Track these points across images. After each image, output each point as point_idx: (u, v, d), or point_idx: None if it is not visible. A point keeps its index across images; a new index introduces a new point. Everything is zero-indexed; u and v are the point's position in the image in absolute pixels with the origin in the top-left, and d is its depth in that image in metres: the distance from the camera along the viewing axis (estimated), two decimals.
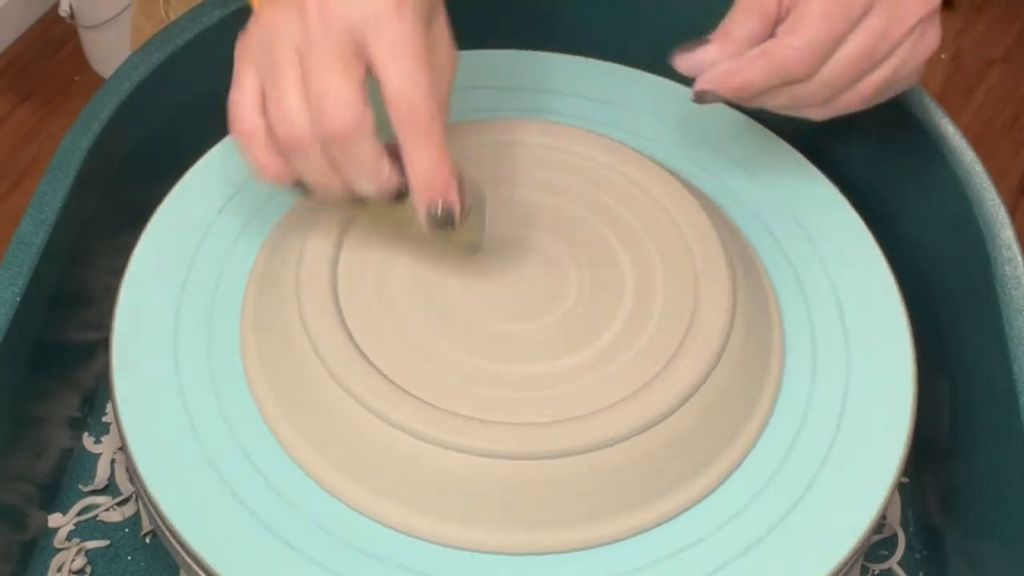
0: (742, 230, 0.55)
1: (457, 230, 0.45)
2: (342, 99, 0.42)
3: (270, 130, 0.43)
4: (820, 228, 0.55)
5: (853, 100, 0.49)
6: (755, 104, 0.49)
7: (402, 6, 0.42)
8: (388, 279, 0.49)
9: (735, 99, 0.49)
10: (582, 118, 0.58)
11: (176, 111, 0.59)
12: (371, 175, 0.43)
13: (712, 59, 0.48)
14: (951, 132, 0.56)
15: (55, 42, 1.81)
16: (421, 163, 0.43)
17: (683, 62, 0.49)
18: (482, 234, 0.48)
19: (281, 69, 0.43)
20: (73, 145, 0.54)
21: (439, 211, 0.44)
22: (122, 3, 1.53)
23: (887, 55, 0.48)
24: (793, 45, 0.46)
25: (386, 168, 0.44)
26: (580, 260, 0.50)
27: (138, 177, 0.57)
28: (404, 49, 0.42)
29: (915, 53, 0.48)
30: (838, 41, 0.47)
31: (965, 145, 0.55)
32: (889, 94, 0.50)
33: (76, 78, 1.77)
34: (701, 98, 0.49)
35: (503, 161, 0.53)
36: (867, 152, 0.61)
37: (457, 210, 0.44)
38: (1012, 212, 0.75)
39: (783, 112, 0.50)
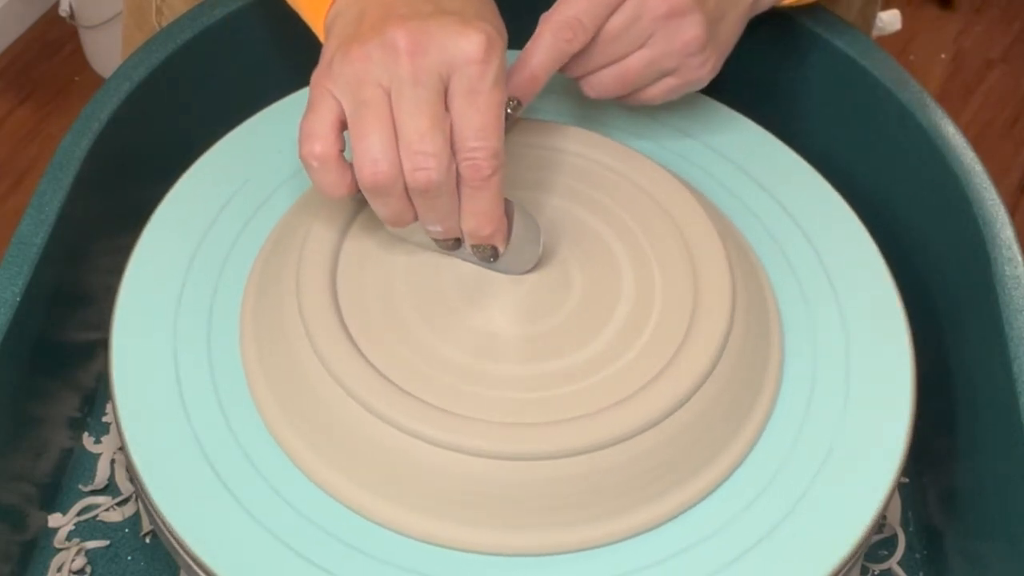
0: (741, 231, 0.55)
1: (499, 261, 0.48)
2: (428, 147, 0.44)
3: (356, 168, 0.45)
4: (820, 229, 0.55)
5: (614, 81, 0.52)
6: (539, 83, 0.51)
7: (490, 56, 0.44)
8: (388, 280, 0.49)
9: (533, 93, 0.50)
10: (580, 118, 0.58)
11: (176, 111, 0.59)
12: (445, 222, 0.46)
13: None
14: (951, 132, 0.56)
15: (55, 42, 1.81)
16: (475, 210, 0.46)
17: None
18: (532, 258, 0.49)
19: (369, 107, 0.44)
20: (73, 145, 0.54)
21: (483, 249, 0.48)
22: (122, 3, 1.53)
23: (646, 37, 0.50)
24: (565, 13, 0.49)
25: (456, 217, 0.46)
26: (580, 261, 0.50)
27: (138, 177, 0.57)
28: (483, 103, 0.44)
29: (672, 42, 0.51)
30: (600, 16, 0.50)
31: (965, 145, 0.55)
32: (672, 89, 0.53)
33: (76, 78, 1.77)
34: (511, 115, 0.50)
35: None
36: (867, 152, 0.61)
37: (501, 249, 0.48)
38: (1012, 212, 0.75)
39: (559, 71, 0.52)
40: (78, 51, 1.78)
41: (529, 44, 0.50)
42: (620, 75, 0.52)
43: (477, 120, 0.44)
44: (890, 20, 1.43)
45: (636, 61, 0.51)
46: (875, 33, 0.81)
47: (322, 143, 0.45)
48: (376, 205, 0.46)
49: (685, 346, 0.47)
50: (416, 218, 0.47)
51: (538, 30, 0.50)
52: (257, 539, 0.45)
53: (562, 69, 0.51)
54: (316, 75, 0.46)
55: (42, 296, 0.51)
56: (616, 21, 0.50)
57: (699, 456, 0.46)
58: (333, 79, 0.45)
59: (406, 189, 0.45)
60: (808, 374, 0.50)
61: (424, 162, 0.44)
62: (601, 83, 0.52)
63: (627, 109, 0.59)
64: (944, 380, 0.55)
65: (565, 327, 0.48)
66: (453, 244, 0.48)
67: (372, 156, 0.44)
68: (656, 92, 0.53)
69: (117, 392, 0.48)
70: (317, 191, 0.46)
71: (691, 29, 0.50)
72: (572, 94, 0.60)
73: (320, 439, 0.46)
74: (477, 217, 0.46)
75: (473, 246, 0.48)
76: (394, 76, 0.44)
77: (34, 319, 0.50)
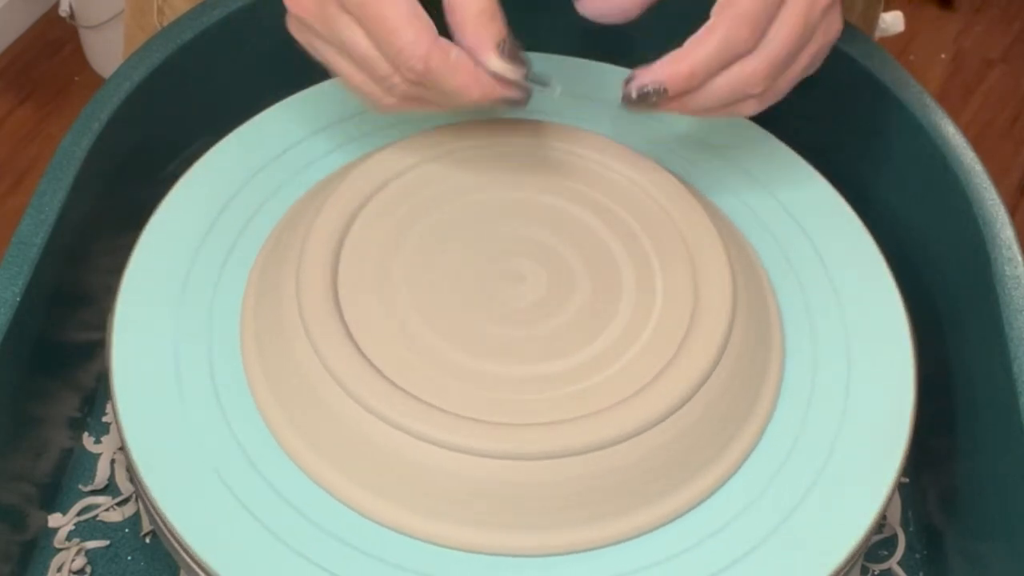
0: (741, 231, 0.55)
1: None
2: (406, 39, 0.43)
3: (368, 83, 0.45)
4: (820, 228, 0.55)
5: (782, 86, 0.48)
6: (697, 102, 0.47)
7: None
8: (388, 279, 0.49)
9: (681, 90, 0.46)
10: (579, 118, 0.58)
11: (176, 111, 0.59)
12: (469, 90, 0.45)
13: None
14: (951, 132, 0.56)
15: (55, 42, 1.81)
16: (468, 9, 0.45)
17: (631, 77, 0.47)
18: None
19: (338, 26, 0.45)
20: (73, 145, 0.54)
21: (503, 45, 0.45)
22: (122, 3, 1.53)
23: (812, 35, 0.47)
24: (736, 12, 0.45)
25: (481, 75, 0.45)
26: (580, 260, 0.50)
27: (138, 177, 0.57)
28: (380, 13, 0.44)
29: (828, 38, 0.49)
30: (771, 15, 0.46)
31: (965, 145, 0.55)
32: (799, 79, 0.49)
33: (76, 78, 1.77)
34: (642, 99, 0.46)
35: (501, 162, 0.53)
36: (866, 152, 0.61)
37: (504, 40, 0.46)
38: (1012, 212, 0.75)
39: (719, 112, 0.48)
40: (78, 51, 1.78)
41: (699, 34, 0.45)
42: (793, 74, 0.48)
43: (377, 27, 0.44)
44: (893, 22, 1.43)
45: (806, 57, 0.48)
46: (878, 35, 0.81)
47: (355, 79, 0.46)
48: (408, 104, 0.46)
49: (686, 346, 0.47)
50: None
51: (711, 22, 0.45)
52: (257, 539, 0.45)
53: (738, 91, 0.47)
54: (292, 33, 0.47)
55: (42, 296, 0.51)
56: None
57: (700, 456, 0.46)
58: (299, 26, 0.47)
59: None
60: (808, 374, 0.50)
61: (406, 50, 0.44)
62: (776, 92, 0.48)
63: (626, 109, 0.59)
64: (944, 380, 0.55)
65: (566, 327, 0.48)
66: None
67: (368, 65, 0.45)
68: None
69: (117, 392, 0.48)
70: (454, 105, 0.46)
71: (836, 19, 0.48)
72: (572, 94, 0.60)
73: (321, 439, 0.46)
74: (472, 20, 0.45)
75: (499, 54, 0.45)
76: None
77: (34, 319, 0.50)
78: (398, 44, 0.44)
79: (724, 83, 0.46)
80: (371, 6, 0.44)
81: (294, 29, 0.49)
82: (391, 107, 0.47)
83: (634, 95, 0.47)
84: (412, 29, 0.44)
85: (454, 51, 0.45)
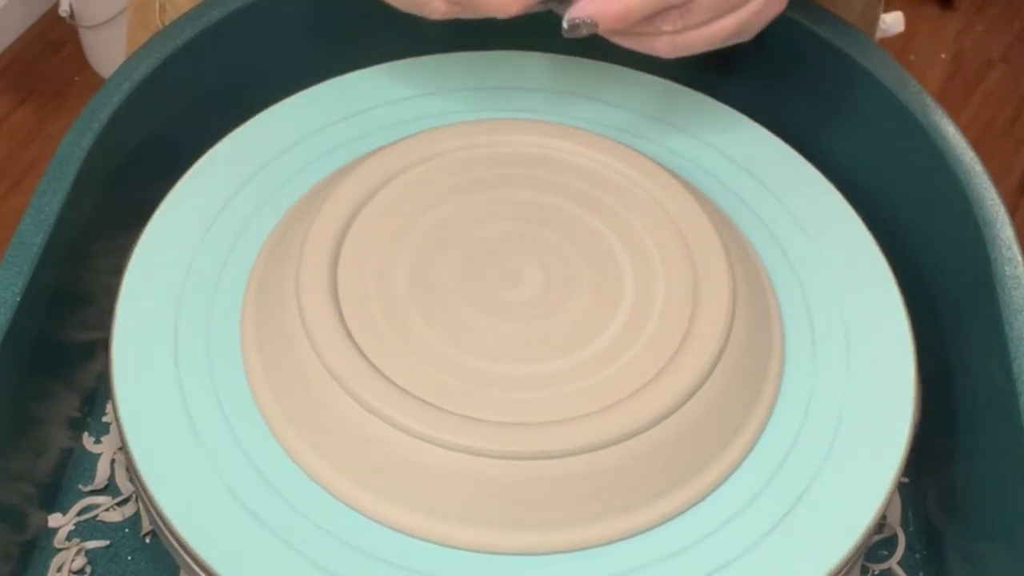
0: (741, 230, 0.55)
1: None
2: None
3: None
4: (820, 228, 0.55)
5: (701, 41, 0.50)
6: (618, 39, 0.50)
7: None
8: (388, 279, 0.49)
9: (611, 28, 0.49)
10: (577, 118, 0.58)
11: (176, 111, 0.59)
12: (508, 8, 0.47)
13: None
14: (951, 132, 0.56)
15: (55, 42, 1.81)
16: None
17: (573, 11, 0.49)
18: None
19: None
20: (73, 145, 0.54)
21: None
22: (122, 3, 1.53)
23: (742, 2, 0.49)
24: None
25: None
26: (580, 260, 0.50)
27: (138, 177, 0.57)
28: None
29: (767, 10, 0.50)
30: None
31: (965, 145, 0.55)
32: (726, 43, 0.51)
33: (76, 78, 1.77)
34: (574, 29, 0.49)
35: (502, 162, 0.53)
36: (867, 152, 0.61)
37: None
38: (1012, 212, 0.75)
39: (627, 44, 0.50)
40: (78, 51, 1.78)
41: None
42: (709, 35, 0.50)
43: None
44: (893, 22, 1.43)
45: (730, 22, 0.50)
46: (878, 35, 0.81)
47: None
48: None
49: (685, 346, 0.47)
50: None
51: None
52: (258, 538, 0.45)
53: (650, 24, 0.49)
54: None
55: (42, 296, 0.51)
56: None
57: (700, 455, 0.46)
58: None
59: None
60: (808, 373, 0.50)
61: None
62: (688, 43, 0.50)
63: (627, 110, 0.59)
64: (944, 380, 0.55)
65: (566, 327, 0.48)
66: None
67: None
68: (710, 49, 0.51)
69: (117, 392, 0.48)
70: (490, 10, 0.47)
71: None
72: (572, 94, 0.60)
73: (321, 438, 0.46)
74: None
75: None
76: None
77: (34, 319, 0.50)
78: None
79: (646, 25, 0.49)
80: None
81: None
82: (439, 12, 0.49)
83: (566, 25, 0.49)
84: None
85: None
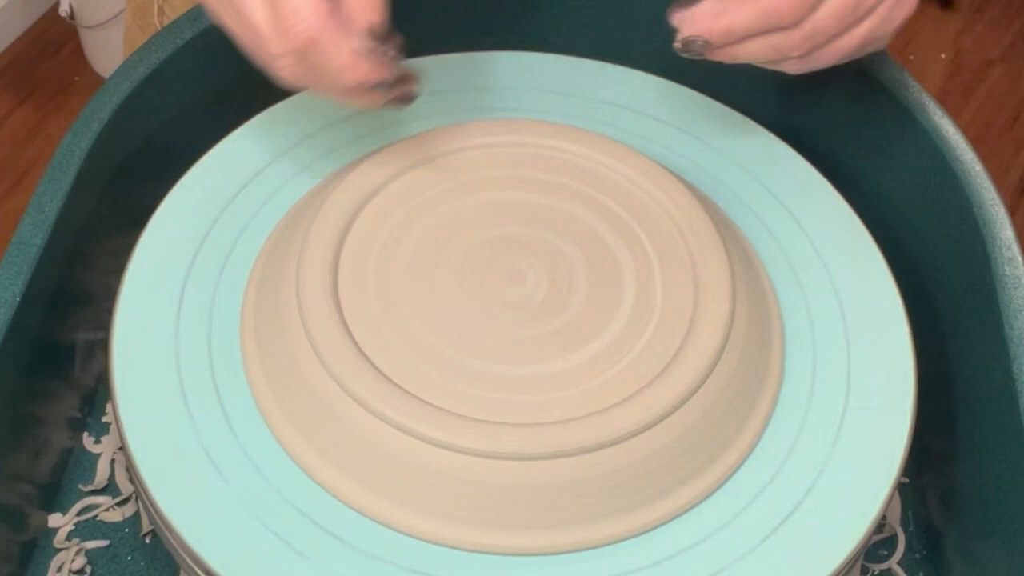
0: (741, 230, 0.55)
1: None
2: (299, 7, 0.43)
3: (283, 34, 0.44)
4: (819, 228, 0.55)
5: (831, 55, 0.50)
6: (739, 55, 0.50)
7: None
8: (388, 279, 0.49)
9: (720, 44, 0.50)
10: (576, 117, 0.58)
11: (176, 111, 0.59)
12: (350, 74, 0.45)
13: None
14: (951, 132, 0.56)
15: (55, 42, 1.81)
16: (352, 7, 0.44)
17: (678, 16, 0.50)
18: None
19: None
20: (73, 145, 0.54)
21: (371, 31, 0.45)
22: (122, 3, 1.53)
23: (868, 12, 0.49)
24: None
25: (365, 63, 0.45)
26: (580, 260, 0.50)
27: (138, 177, 0.57)
28: None
29: (893, 15, 0.50)
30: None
31: (965, 145, 0.55)
32: (861, 54, 0.51)
33: (76, 78, 1.77)
34: (688, 46, 0.50)
35: (501, 161, 0.53)
36: (867, 152, 0.61)
37: (378, 23, 0.45)
38: (1012, 212, 0.75)
39: (763, 65, 0.51)
40: (78, 51, 1.78)
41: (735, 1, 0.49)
42: (837, 51, 0.50)
43: None
44: None
45: (854, 38, 0.50)
46: None
47: (307, 15, 0.44)
48: (274, 72, 0.46)
49: (685, 347, 0.47)
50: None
51: None
52: (258, 538, 0.45)
53: (780, 52, 0.50)
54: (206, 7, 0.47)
55: (42, 296, 0.51)
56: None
57: (700, 456, 0.46)
58: None
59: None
60: (808, 374, 0.50)
61: (295, 17, 0.43)
62: (817, 60, 0.50)
63: (626, 109, 0.59)
64: (944, 380, 0.55)
65: (566, 327, 0.48)
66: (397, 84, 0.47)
67: (255, 31, 0.44)
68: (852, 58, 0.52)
69: (117, 392, 0.48)
70: (327, 94, 0.46)
71: (910, 2, 0.50)
72: (571, 94, 0.60)
73: (321, 438, 0.46)
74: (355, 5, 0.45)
75: (369, 36, 0.45)
76: None
77: (34, 319, 0.50)
78: (289, 7, 0.44)
79: (765, 43, 0.49)
80: None
81: None
82: (286, 72, 0.47)
83: (680, 45, 0.50)
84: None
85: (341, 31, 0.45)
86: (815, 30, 0.49)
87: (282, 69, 0.46)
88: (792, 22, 0.48)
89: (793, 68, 0.51)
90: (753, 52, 0.50)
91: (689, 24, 0.50)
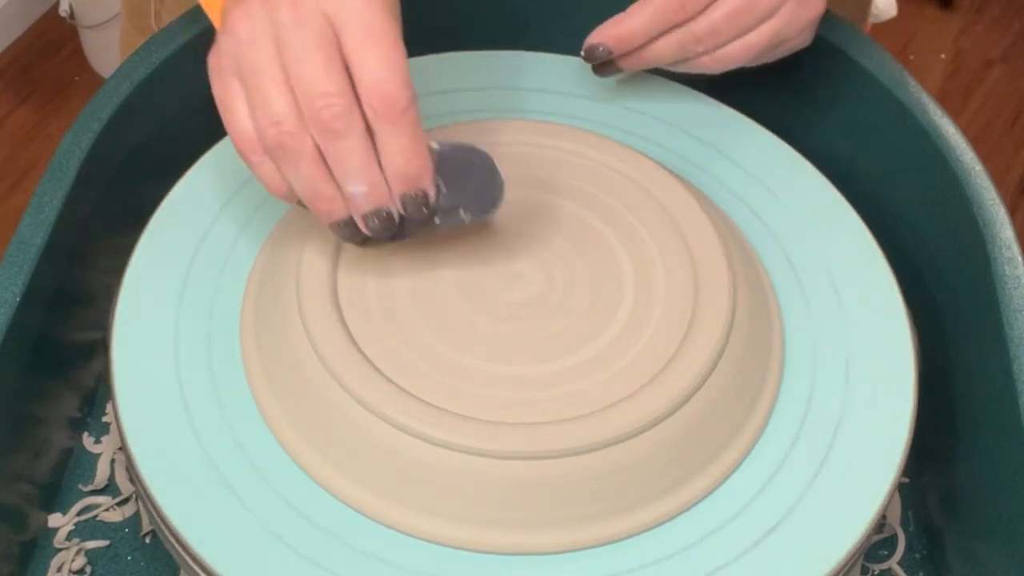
0: (742, 230, 0.55)
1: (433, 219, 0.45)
2: (328, 87, 0.41)
3: (260, 138, 0.43)
4: (819, 227, 0.55)
5: (740, 52, 0.53)
6: (648, 59, 0.54)
7: None
8: (388, 279, 0.49)
9: (622, 49, 0.53)
10: (576, 117, 0.58)
11: (176, 111, 0.59)
12: (365, 173, 0.43)
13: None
14: (951, 132, 0.56)
15: (55, 42, 1.81)
16: (397, 149, 0.42)
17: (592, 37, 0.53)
18: (492, 193, 0.47)
19: (260, 69, 0.42)
20: (73, 145, 0.54)
21: (416, 201, 0.44)
22: (120, 6, 1.53)
23: (771, 11, 0.51)
24: None
25: (377, 169, 0.43)
26: (580, 260, 0.50)
27: (138, 177, 0.57)
28: (379, 34, 0.41)
29: (798, 14, 0.52)
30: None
31: (965, 145, 0.55)
32: (780, 52, 0.54)
33: (76, 78, 1.77)
34: (590, 54, 0.54)
35: (501, 162, 0.53)
36: (867, 152, 0.61)
37: (432, 195, 0.44)
38: (1012, 212, 0.75)
39: (680, 69, 0.54)
40: (78, 51, 1.78)
41: (634, 6, 0.52)
42: (746, 47, 0.52)
43: (378, 51, 0.41)
44: (886, 7, 1.42)
45: (762, 35, 0.52)
46: (871, 20, 0.81)
47: (247, 135, 0.43)
48: (292, 177, 0.43)
49: (685, 347, 0.47)
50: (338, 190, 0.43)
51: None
52: (258, 538, 0.45)
53: (685, 49, 0.52)
54: (209, 67, 0.44)
55: (42, 296, 0.51)
56: None
57: (700, 455, 0.46)
58: (221, 55, 0.43)
59: (317, 147, 0.42)
60: (808, 373, 0.50)
61: (325, 100, 0.41)
62: (727, 57, 0.53)
63: (627, 109, 0.59)
64: (944, 380, 0.55)
65: (566, 326, 0.48)
66: (383, 225, 0.44)
67: (272, 116, 0.42)
68: (768, 57, 0.54)
69: (117, 392, 0.48)
70: (270, 192, 0.45)
71: (816, 3, 0.52)
72: (571, 94, 0.60)
73: (321, 438, 0.46)
74: (402, 155, 0.42)
75: (404, 199, 0.44)
76: (276, 24, 0.42)
77: (34, 319, 0.50)
78: (324, 86, 0.41)
79: (670, 41, 0.53)
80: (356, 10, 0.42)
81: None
82: (279, 195, 0.45)
83: (583, 54, 0.54)
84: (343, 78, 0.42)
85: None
86: (713, 26, 0.51)
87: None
88: (688, 15, 0.51)
89: (708, 66, 0.53)
90: (661, 53, 0.53)
91: (592, 34, 0.53)
